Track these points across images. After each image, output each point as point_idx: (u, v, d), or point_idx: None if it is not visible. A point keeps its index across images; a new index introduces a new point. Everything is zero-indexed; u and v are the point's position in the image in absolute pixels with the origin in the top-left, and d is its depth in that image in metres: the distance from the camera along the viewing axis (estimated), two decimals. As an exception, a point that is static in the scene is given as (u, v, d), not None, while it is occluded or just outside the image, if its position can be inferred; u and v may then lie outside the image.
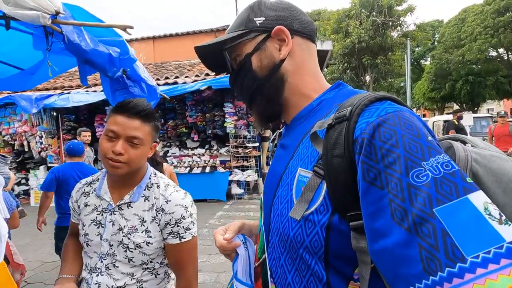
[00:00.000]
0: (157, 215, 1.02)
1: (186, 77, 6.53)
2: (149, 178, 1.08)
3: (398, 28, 16.10)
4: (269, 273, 0.62)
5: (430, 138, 0.43)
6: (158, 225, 1.02)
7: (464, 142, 0.60)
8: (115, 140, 0.97)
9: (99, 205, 1.05)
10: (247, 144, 6.32)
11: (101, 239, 1.01)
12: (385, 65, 16.25)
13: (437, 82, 21.06)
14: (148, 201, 1.04)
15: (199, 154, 6.58)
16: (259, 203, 0.74)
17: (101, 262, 1.01)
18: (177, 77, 6.61)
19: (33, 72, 2.43)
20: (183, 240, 1.03)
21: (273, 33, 0.62)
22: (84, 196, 1.09)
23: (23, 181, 7.26)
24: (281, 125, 0.74)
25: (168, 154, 6.67)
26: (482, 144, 0.58)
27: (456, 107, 22.45)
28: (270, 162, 0.76)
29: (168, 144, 7.09)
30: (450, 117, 10.08)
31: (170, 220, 1.01)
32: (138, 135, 0.98)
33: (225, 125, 6.32)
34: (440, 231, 0.37)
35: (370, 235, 0.43)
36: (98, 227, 1.03)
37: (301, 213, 0.51)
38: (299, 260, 0.54)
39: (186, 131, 6.95)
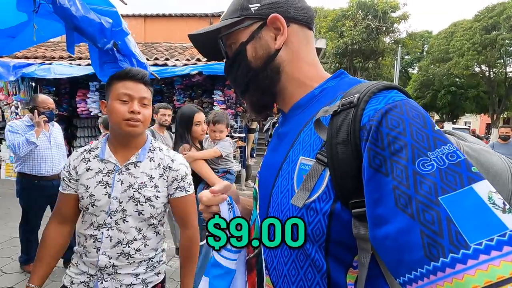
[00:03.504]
0: (164, 173, 1.16)
1: (177, 60, 6.37)
2: (151, 143, 1.21)
3: (391, 34, 16.37)
4: (264, 264, 0.61)
5: (436, 128, 0.44)
6: (166, 181, 1.17)
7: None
8: (129, 103, 1.09)
9: (103, 168, 1.14)
10: (233, 134, 6.28)
11: (109, 197, 1.11)
12: (375, 69, 16.54)
13: (421, 91, 21.72)
14: (154, 161, 1.17)
15: (184, 139, 6.47)
16: (253, 195, 0.70)
17: (111, 218, 1.10)
18: (167, 59, 6.43)
19: (14, 35, 2.28)
20: (188, 193, 1.20)
21: (268, 21, 0.60)
22: (84, 162, 1.16)
23: (-6, 152, 6.91)
24: (268, 116, 0.72)
25: (152, 137, 6.52)
26: (470, 139, 0.60)
27: (436, 117, 23.30)
28: (265, 152, 0.72)
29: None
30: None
31: (177, 176, 1.18)
32: (147, 96, 1.13)
33: (212, 112, 6.24)
34: (444, 218, 0.37)
35: (373, 222, 0.43)
36: (105, 187, 1.11)
37: (303, 201, 0.50)
38: (298, 249, 0.53)
39: (173, 115, 6.81)
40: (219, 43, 0.65)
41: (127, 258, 1.11)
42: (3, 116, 6.74)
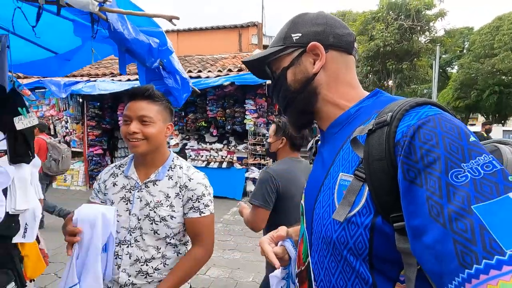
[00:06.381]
0: (180, 192, 1.14)
1: (209, 71, 6.56)
2: (172, 161, 1.20)
3: (427, 33, 15.51)
4: (312, 276, 0.63)
5: (472, 139, 0.44)
6: (181, 200, 1.14)
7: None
8: (129, 123, 1.09)
9: (127, 184, 1.16)
10: (265, 142, 6.29)
11: (129, 214, 1.12)
12: (410, 71, 15.72)
13: (462, 91, 20.22)
14: (172, 179, 1.15)
15: (217, 149, 6.61)
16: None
17: (130, 235, 1.11)
18: (200, 71, 6.65)
19: (69, 58, 2.48)
20: (202, 215, 1.14)
21: (308, 48, 0.66)
22: (113, 177, 1.20)
23: (47, 163, 7.54)
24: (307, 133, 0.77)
25: (187, 147, 6.74)
26: None
27: (481, 118, 21.54)
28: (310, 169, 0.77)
29: (187, 137, 7.16)
30: (475, 128, 9.67)
31: (192, 196, 1.14)
32: (146, 114, 1.10)
33: (244, 121, 6.31)
34: (478, 226, 0.37)
35: (411, 234, 0.44)
36: (127, 204, 1.13)
37: (344, 215, 0.52)
38: (344, 262, 0.55)
39: (206, 125, 6.99)
40: (265, 69, 0.72)
41: (145, 277, 1.10)
42: (55, 130, 7.37)
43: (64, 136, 7.21)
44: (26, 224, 1.64)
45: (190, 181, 1.15)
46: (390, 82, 16.59)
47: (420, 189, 0.43)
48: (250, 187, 6.29)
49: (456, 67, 23.45)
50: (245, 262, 3.57)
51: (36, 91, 7.04)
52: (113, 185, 1.17)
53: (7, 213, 1.51)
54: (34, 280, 1.81)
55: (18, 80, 5.90)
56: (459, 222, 0.38)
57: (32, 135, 1.66)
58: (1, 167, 1.44)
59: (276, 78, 0.70)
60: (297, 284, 0.72)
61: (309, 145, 0.87)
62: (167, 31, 11.38)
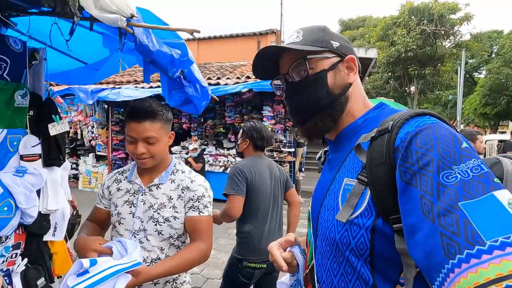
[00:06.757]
0: (182, 193, 1.19)
1: (228, 78, 6.69)
2: (174, 166, 1.26)
3: (451, 37, 14.99)
4: (315, 278, 0.66)
5: (464, 145, 0.47)
6: (183, 201, 1.19)
7: None
8: (135, 143, 1.14)
9: (130, 189, 1.22)
10: (282, 149, 6.30)
11: (133, 216, 1.17)
12: (434, 76, 15.22)
13: (491, 97, 19.26)
14: (174, 182, 1.21)
15: (234, 154, 6.69)
16: (307, 214, 0.78)
17: (134, 237, 1.15)
18: (219, 78, 6.80)
19: (98, 68, 2.64)
20: (201, 214, 1.19)
21: (346, 59, 0.70)
22: (116, 183, 1.26)
23: (74, 166, 7.93)
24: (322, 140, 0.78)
25: (205, 152, 6.87)
26: None
27: (512, 126, 20.37)
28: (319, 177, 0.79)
29: (206, 142, 7.30)
30: (505, 136, 9.20)
31: (193, 196, 1.19)
32: (151, 135, 1.13)
33: (262, 128, 6.36)
34: (462, 220, 0.40)
35: (407, 232, 0.47)
36: (130, 207, 1.19)
37: (346, 217, 0.55)
38: (346, 263, 0.57)
39: (224, 131, 7.11)
40: (304, 63, 0.68)
41: None
42: (81, 134, 7.76)
43: (90, 141, 7.57)
44: (56, 223, 1.75)
45: (192, 183, 1.21)
46: (412, 88, 16.11)
47: (415, 189, 0.46)
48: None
49: (484, 72, 22.39)
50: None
51: (66, 97, 7.48)
52: (117, 190, 1.24)
53: (39, 212, 1.62)
54: (61, 277, 1.91)
55: (51, 87, 6.30)
56: (446, 217, 0.42)
57: (63, 140, 1.78)
58: (36, 170, 1.56)
59: (313, 78, 0.68)
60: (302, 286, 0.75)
61: (318, 155, 0.89)
62: (188, 40, 11.75)
